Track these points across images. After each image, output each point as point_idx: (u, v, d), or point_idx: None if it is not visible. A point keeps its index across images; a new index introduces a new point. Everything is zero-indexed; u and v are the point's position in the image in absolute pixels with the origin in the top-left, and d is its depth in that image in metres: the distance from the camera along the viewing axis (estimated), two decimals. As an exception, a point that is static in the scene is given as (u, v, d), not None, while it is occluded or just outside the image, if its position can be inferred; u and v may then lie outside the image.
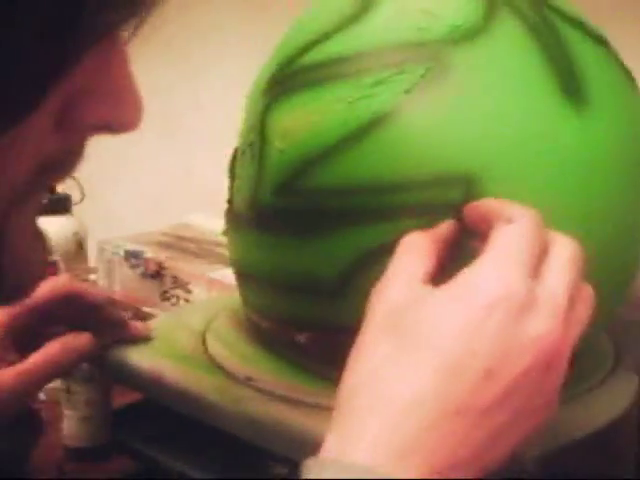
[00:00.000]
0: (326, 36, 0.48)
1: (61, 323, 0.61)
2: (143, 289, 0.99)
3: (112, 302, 0.63)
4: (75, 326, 0.60)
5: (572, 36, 0.49)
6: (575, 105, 0.47)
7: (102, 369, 0.63)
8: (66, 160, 0.35)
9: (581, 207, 0.47)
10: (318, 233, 0.47)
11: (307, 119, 0.47)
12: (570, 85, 0.47)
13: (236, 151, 0.58)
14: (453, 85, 0.45)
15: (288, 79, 0.50)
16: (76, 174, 0.36)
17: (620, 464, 0.53)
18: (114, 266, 1.04)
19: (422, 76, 0.45)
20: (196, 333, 0.63)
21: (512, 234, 0.39)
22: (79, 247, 0.82)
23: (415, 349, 0.37)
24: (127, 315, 0.96)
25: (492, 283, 0.38)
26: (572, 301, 0.39)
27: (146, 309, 0.96)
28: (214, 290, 0.89)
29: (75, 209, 1.22)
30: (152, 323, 0.65)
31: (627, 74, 0.52)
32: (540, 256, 0.39)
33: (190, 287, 0.94)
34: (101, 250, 1.05)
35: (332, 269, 0.48)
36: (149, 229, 1.14)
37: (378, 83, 0.45)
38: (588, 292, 0.41)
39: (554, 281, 0.39)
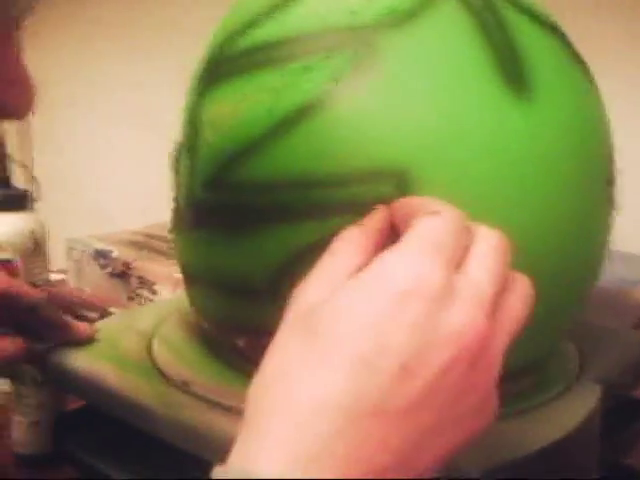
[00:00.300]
0: (256, 21, 0.45)
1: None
2: (111, 289, 0.97)
3: (52, 303, 0.60)
4: (14, 327, 0.59)
5: (518, 21, 0.46)
6: (517, 94, 0.44)
7: (45, 373, 0.60)
8: None
9: (524, 204, 0.44)
10: (247, 230, 0.45)
11: (233, 109, 0.44)
12: (513, 72, 0.44)
13: (178, 145, 0.55)
14: (385, 72, 0.42)
15: (217, 68, 0.47)
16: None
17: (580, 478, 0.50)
18: (83, 265, 1.02)
19: (351, 63, 0.42)
20: (143, 336, 0.61)
21: (431, 225, 0.36)
22: (36, 245, 0.79)
23: (325, 347, 0.34)
24: (94, 316, 0.94)
25: (404, 272, 0.34)
26: (500, 292, 0.36)
27: (113, 310, 0.94)
28: (180, 290, 0.86)
29: (58, 206, 1.20)
30: (98, 325, 0.63)
31: (579, 62, 0.49)
32: (463, 249, 0.37)
33: (156, 287, 0.91)
34: (70, 249, 1.03)
35: (263, 268, 0.46)
36: (135, 227, 1.12)
37: (305, 70, 0.42)
38: (522, 283, 0.38)
39: (476, 271, 0.36)
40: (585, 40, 0.51)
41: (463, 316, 0.34)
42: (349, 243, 0.39)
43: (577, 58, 0.49)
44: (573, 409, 0.50)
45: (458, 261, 0.36)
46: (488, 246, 0.37)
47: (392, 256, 0.35)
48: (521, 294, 0.37)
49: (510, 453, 0.44)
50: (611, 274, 0.99)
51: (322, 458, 0.32)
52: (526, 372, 0.52)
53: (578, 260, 0.49)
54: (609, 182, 0.50)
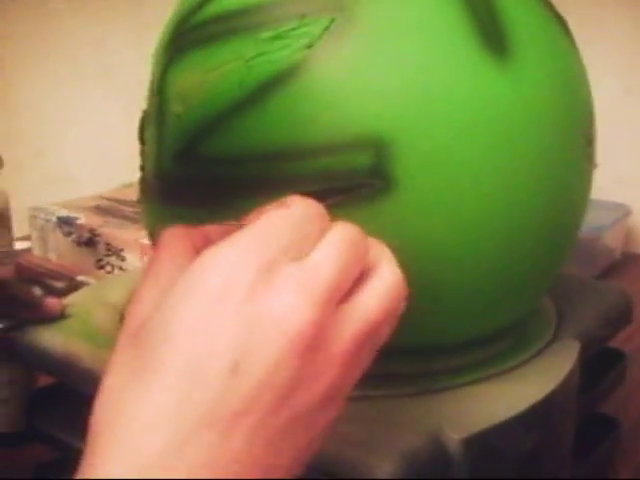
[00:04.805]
0: (225, -14, 0.43)
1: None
2: (78, 257, 0.95)
3: (22, 278, 0.59)
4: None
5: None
6: (497, 54, 0.43)
7: (11, 351, 0.59)
8: None
9: (508, 168, 0.43)
10: (219, 204, 0.43)
11: (202, 80, 0.43)
12: (492, 33, 0.43)
13: (144, 114, 0.53)
14: (360, 38, 0.41)
15: (185, 36, 0.45)
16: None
17: (558, 438, 0.50)
18: (48, 234, 0.99)
19: (325, 28, 0.41)
20: (114, 309, 0.59)
21: (271, 216, 0.34)
22: (-1, 218, 0.77)
23: (153, 361, 0.31)
24: (61, 285, 0.92)
25: (223, 267, 0.32)
26: (348, 283, 0.34)
27: (81, 278, 0.92)
28: (148, 256, 0.85)
29: (19, 171, 1.17)
30: (68, 299, 0.61)
31: (558, 19, 0.48)
32: (313, 240, 0.34)
33: (124, 254, 0.90)
34: (33, 217, 1.00)
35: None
36: (100, 190, 1.09)
37: (277, 38, 0.41)
38: (385, 278, 0.35)
39: (317, 259, 0.33)
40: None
41: (284, 305, 0.32)
42: (172, 246, 0.36)
43: (556, 15, 0.48)
44: (554, 367, 0.50)
45: (301, 250, 0.34)
46: (340, 237, 0.35)
47: (214, 251, 0.33)
48: (379, 289, 0.35)
49: (493, 416, 0.44)
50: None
51: (161, 477, 0.29)
52: (509, 332, 0.51)
53: (560, 219, 0.48)
54: (589, 141, 0.49)
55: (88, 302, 0.61)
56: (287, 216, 0.35)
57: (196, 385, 0.31)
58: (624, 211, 1.07)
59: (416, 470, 0.40)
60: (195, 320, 0.31)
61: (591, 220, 1.04)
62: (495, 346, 0.51)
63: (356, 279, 0.35)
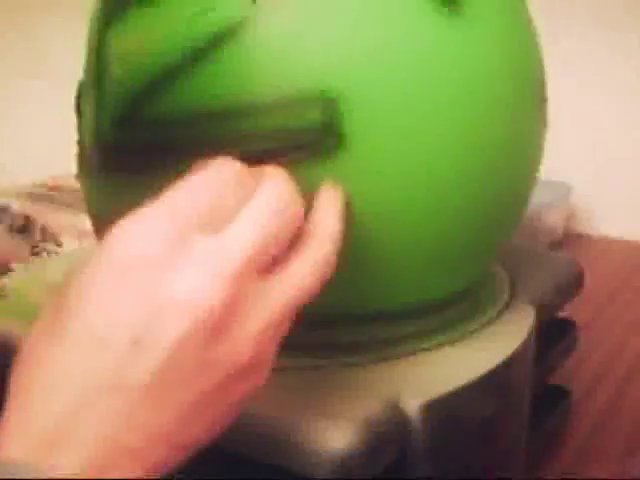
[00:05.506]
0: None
1: None
2: (12, 244, 0.92)
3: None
4: None
5: None
6: (450, 9, 0.41)
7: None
8: None
9: (460, 125, 0.42)
10: (165, 168, 0.41)
11: (144, 39, 0.41)
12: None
13: (81, 85, 0.51)
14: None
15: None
16: None
17: (516, 404, 0.49)
18: (-21, 222, 0.96)
19: (270, -17, 0.39)
20: (54, 289, 0.57)
21: (186, 183, 0.34)
22: None
23: (63, 321, 0.31)
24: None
25: (132, 237, 0.32)
26: (267, 252, 0.33)
27: (15, 266, 0.89)
28: (86, 241, 0.83)
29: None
30: (3, 280, 0.59)
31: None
32: (232, 209, 0.34)
33: (60, 239, 0.87)
34: (-36, 205, 0.97)
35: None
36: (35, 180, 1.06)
37: (221, -6, 0.39)
38: (320, 244, 0.35)
39: (232, 232, 0.33)
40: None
41: (191, 283, 0.31)
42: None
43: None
44: (511, 331, 0.50)
45: (219, 219, 0.33)
46: (266, 202, 0.34)
47: (123, 222, 0.33)
48: (312, 257, 0.35)
49: (453, 381, 0.43)
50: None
51: (62, 439, 0.29)
52: (462, 298, 0.51)
53: (513, 182, 0.47)
54: (543, 100, 0.49)
55: (25, 282, 0.59)
56: (203, 182, 0.34)
57: (98, 353, 0.30)
58: (565, 189, 1.07)
59: (375, 436, 0.39)
60: (101, 293, 0.31)
61: (532, 198, 1.04)
62: (449, 313, 0.50)
63: (291, 243, 0.35)
